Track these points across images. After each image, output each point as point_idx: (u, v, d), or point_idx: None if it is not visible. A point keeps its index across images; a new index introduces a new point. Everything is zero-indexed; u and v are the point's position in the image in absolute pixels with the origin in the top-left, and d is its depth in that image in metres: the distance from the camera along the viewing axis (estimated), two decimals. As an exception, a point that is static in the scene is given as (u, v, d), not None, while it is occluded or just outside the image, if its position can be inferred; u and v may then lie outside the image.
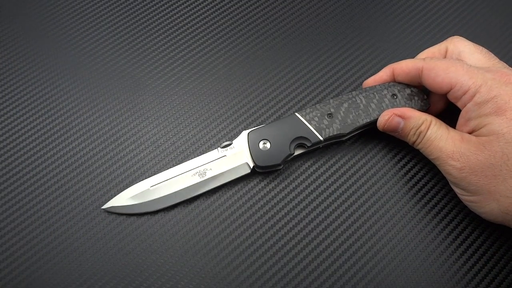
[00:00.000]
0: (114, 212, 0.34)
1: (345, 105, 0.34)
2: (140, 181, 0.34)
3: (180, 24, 0.42)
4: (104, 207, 0.34)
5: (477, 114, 0.29)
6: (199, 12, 0.42)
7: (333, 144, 0.37)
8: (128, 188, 0.34)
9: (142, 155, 0.36)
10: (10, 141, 0.36)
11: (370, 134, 0.36)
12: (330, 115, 0.34)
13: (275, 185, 0.35)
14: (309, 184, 0.35)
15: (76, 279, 0.32)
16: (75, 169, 0.35)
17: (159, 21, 0.42)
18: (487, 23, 0.42)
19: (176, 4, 0.43)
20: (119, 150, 0.36)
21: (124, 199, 0.34)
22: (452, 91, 0.31)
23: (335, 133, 0.34)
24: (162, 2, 0.43)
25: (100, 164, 0.36)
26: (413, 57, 0.37)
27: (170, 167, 0.35)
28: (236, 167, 0.34)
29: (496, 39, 0.41)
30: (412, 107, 0.34)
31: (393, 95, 0.34)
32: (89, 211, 0.34)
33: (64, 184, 0.35)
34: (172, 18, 0.42)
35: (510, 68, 0.31)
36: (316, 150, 0.36)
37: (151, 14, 0.42)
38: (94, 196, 0.35)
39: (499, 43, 0.41)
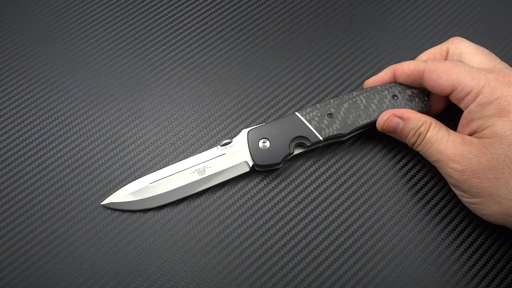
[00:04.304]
0: (113, 208, 0.34)
1: (346, 105, 0.34)
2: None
3: (180, 24, 0.42)
4: (103, 202, 0.34)
5: (480, 115, 0.29)
6: (199, 12, 0.42)
7: (333, 144, 0.37)
8: (128, 185, 0.34)
9: (142, 155, 0.36)
10: (10, 141, 0.36)
11: (370, 134, 0.36)
12: (330, 115, 0.34)
13: (275, 185, 0.35)
14: (309, 184, 0.35)
15: (76, 279, 0.32)
16: (75, 169, 0.35)
17: (159, 21, 0.42)
18: (488, 23, 0.42)
19: (176, 4, 0.43)
20: (119, 150, 0.36)
21: (123, 195, 0.34)
22: (455, 93, 0.30)
23: (335, 133, 0.34)
24: (162, 2, 0.43)
25: (100, 164, 0.36)
26: (413, 57, 0.37)
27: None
28: (235, 165, 0.34)
29: (496, 40, 0.41)
30: (412, 109, 0.34)
31: (394, 96, 0.34)
32: (89, 211, 0.34)
33: (64, 184, 0.35)
34: (172, 18, 0.42)
35: (512, 68, 0.31)
36: (316, 150, 0.36)
37: (151, 14, 0.42)
38: (94, 196, 0.35)
39: (500, 43, 0.41)
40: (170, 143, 0.37)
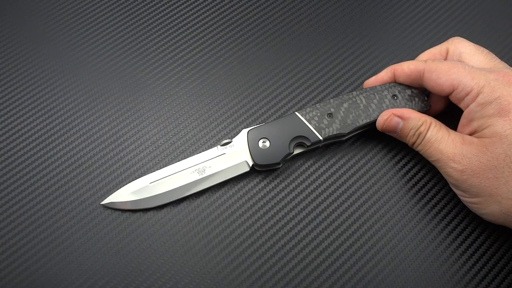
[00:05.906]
0: (113, 208, 0.34)
1: (345, 105, 0.34)
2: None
3: (180, 24, 0.42)
4: (103, 202, 0.34)
5: (480, 115, 0.29)
6: (199, 12, 0.42)
7: (333, 144, 0.37)
8: (128, 184, 0.34)
9: (142, 155, 0.36)
10: (10, 141, 0.36)
11: (370, 134, 0.36)
12: (330, 114, 0.34)
13: (275, 185, 0.35)
14: (309, 184, 0.35)
15: (76, 279, 0.32)
16: (75, 169, 0.35)
17: (159, 21, 0.42)
18: (488, 23, 0.42)
19: (176, 4, 0.43)
20: (119, 150, 0.36)
21: (123, 195, 0.34)
22: (455, 93, 0.30)
23: (334, 133, 0.34)
24: (162, 2, 0.43)
25: (100, 164, 0.36)
26: (413, 57, 0.37)
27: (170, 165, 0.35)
28: (235, 165, 0.34)
29: (496, 40, 0.41)
30: (412, 108, 0.34)
31: (394, 95, 0.34)
32: (89, 211, 0.34)
33: (64, 184, 0.35)
34: (172, 18, 0.42)
35: None
36: (315, 150, 0.36)
37: (151, 14, 0.42)
38: (94, 196, 0.35)
39: (500, 43, 0.41)
40: (170, 143, 0.37)
